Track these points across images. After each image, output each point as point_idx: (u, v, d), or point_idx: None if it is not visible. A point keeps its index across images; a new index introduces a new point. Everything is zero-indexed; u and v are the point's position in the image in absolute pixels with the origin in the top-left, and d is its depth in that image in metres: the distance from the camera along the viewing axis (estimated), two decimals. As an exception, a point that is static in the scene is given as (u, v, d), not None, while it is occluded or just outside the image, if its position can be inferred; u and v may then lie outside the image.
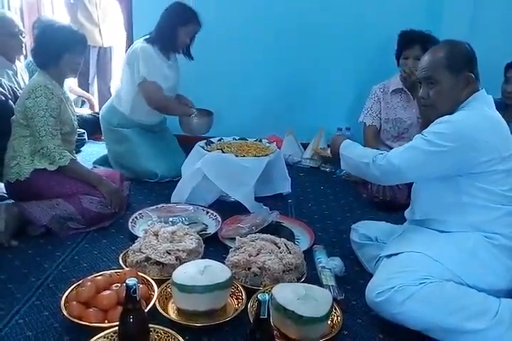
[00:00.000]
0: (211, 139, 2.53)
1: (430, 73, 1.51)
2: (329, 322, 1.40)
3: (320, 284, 1.58)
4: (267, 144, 2.52)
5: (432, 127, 1.48)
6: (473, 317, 1.30)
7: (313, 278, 1.67)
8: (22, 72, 2.84)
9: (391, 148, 2.53)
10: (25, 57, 3.19)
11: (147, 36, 2.60)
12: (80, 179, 2.04)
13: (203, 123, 2.66)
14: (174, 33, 2.52)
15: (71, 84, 3.40)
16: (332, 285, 1.59)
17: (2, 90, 2.09)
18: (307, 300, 1.35)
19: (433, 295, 1.33)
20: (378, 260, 1.63)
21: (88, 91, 4.03)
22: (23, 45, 2.73)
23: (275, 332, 1.30)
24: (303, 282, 1.59)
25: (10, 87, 2.22)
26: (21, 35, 2.68)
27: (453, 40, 1.56)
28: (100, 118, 2.74)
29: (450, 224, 1.50)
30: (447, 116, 1.47)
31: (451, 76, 1.48)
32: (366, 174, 1.62)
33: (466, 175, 1.45)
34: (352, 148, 1.69)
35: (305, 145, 3.19)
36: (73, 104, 2.31)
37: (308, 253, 1.81)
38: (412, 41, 2.48)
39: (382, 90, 2.69)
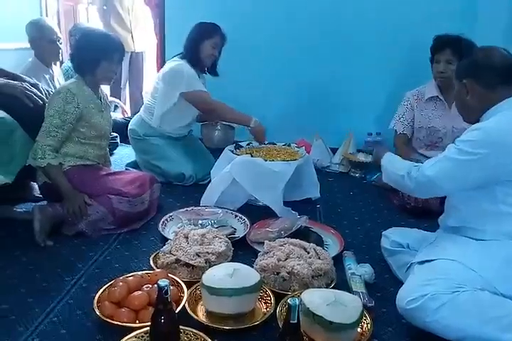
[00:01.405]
0: (240, 143, 2.55)
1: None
2: (359, 329, 1.38)
3: (349, 291, 1.56)
4: (296, 149, 2.52)
5: (464, 135, 1.47)
6: (510, 327, 1.26)
7: (342, 284, 1.65)
8: (58, 77, 2.94)
9: (424, 156, 2.52)
10: (61, 62, 3.30)
11: (178, 56, 2.67)
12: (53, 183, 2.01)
13: (225, 137, 2.70)
14: (199, 47, 2.60)
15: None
16: (362, 292, 1.56)
17: (40, 95, 2.16)
18: (336, 306, 1.34)
19: (467, 304, 1.30)
20: (409, 267, 1.60)
21: (120, 96, 4.12)
22: (60, 51, 2.83)
23: (304, 337, 1.29)
24: (332, 288, 1.58)
25: (47, 91, 2.29)
26: (59, 41, 2.78)
27: (484, 47, 1.57)
28: (128, 131, 2.80)
29: (485, 233, 1.46)
30: (479, 123, 1.47)
31: (457, 82, 1.56)
32: (403, 187, 1.63)
33: (502, 182, 1.41)
34: (392, 161, 1.70)
35: (334, 150, 3.17)
36: (110, 110, 2.35)
37: (338, 259, 1.79)
38: (443, 45, 2.46)
39: (416, 97, 2.65)
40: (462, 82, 1.52)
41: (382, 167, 1.71)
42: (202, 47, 2.60)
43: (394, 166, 1.66)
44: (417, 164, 1.58)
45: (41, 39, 2.72)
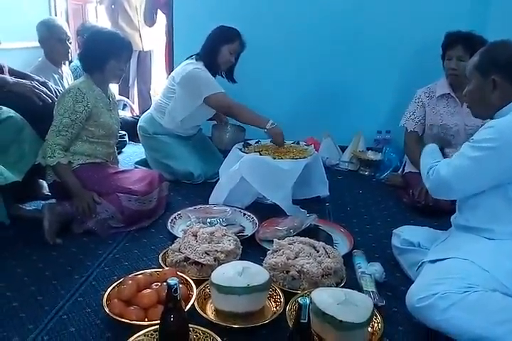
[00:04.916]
0: (249, 141, 2.54)
1: (467, 72, 1.53)
2: (370, 328, 1.37)
3: (360, 290, 1.55)
4: (305, 147, 2.51)
5: (478, 134, 1.45)
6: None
7: (352, 283, 1.63)
8: (67, 76, 2.95)
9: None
10: (70, 62, 3.31)
11: (192, 57, 2.64)
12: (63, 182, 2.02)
13: (235, 139, 2.66)
14: (217, 51, 2.56)
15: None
16: (372, 291, 1.55)
17: (49, 93, 2.17)
18: (347, 305, 1.32)
19: (478, 305, 1.27)
20: (420, 266, 1.58)
21: (128, 95, 4.13)
22: (70, 50, 2.84)
23: (314, 336, 1.28)
24: (342, 287, 1.56)
25: (56, 89, 2.30)
26: (68, 40, 2.79)
27: (503, 41, 1.50)
28: (138, 127, 2.80)
29: (497, 232, 1.43)
30: (493, 121, 1.44)
31: (480, 77, 1.48)
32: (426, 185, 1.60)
33: None
34: (426, 153, 1.69)
35: (343, 148, 3.15)
36: (117, 109, 2.35)
37: (347, 258, 1.78)
38: (454, 41, 2.43)
39: (427, 95, 2.60)
40: (489, 78, 1.45)
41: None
42: (220, 52, 2.56)
43: (424, 161, 1.64)
44: (437, 163, 1.55)
45: (51, 38, 2.73)
